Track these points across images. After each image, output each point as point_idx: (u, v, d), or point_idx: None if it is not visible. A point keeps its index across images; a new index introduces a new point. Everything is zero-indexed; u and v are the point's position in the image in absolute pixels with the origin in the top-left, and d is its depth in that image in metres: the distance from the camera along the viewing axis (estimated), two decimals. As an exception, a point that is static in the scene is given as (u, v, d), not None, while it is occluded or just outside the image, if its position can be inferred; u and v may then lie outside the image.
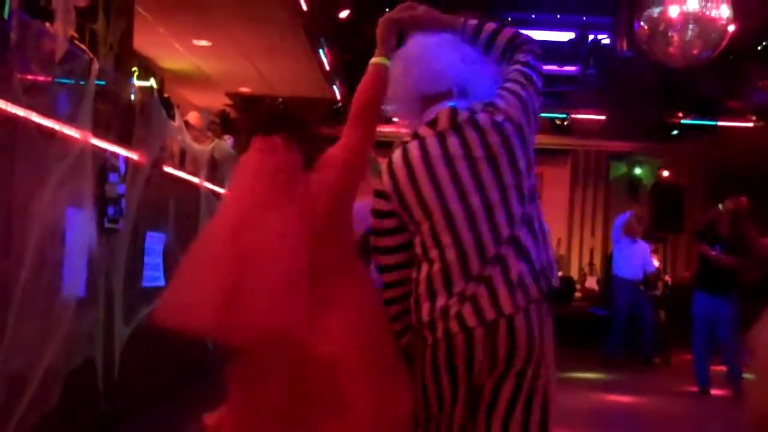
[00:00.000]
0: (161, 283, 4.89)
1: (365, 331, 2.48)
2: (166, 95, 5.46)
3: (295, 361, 2.44)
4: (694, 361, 8.99)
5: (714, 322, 8.65)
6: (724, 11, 8.06)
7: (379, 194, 2.58)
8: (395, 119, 2.86)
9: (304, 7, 8.35)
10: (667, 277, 12.01)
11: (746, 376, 8.15)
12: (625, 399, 8.58)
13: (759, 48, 11.41)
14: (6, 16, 3.07)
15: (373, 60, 2.75)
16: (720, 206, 8.55)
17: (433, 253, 2.40)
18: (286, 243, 2.44)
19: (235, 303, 2.38)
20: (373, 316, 2.52)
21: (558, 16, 11.85)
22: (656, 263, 11.34)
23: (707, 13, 8.07)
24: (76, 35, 3.83)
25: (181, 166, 5.31)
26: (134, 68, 6.87)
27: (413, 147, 2.52)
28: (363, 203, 3.23)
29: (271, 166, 2.54)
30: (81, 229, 3.58)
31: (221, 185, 6.18)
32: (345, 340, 2.42)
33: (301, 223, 2.46)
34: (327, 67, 10.75)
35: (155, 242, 4.75)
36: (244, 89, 12.36)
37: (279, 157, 2.55)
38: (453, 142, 2.44)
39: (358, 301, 2.51)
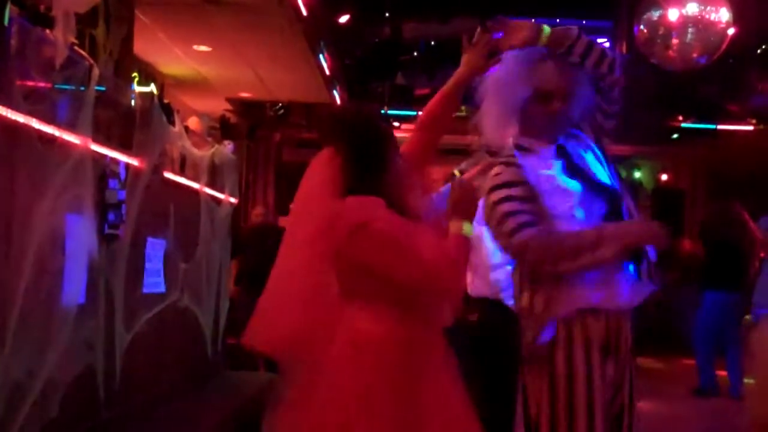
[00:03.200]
0: (161, 289, 4.88)
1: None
2: (166, 101, 5.45)
3: None
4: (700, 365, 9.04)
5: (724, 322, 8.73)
6: (724, 15, 8.05)
7: None
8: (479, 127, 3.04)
9: (304, 12, 8.35)
10: None
11: (746, 380, 8.20)
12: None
13: (759, 51, 11.41)
14: (6, 22, 3.06)
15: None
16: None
17: None
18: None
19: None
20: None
21: (558, 21, 11.84)
22: None
23: (707, 16, 8.06)
24: (75, 41, 3.81)
25: (181, 172, 5.29)
26: (134, 74, 6.87)
27: None
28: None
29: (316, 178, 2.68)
30: (81, 236, 3.57)
31: (221, 191, 6.17)
32: None
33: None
34: (327, 72, 10.74)
35: (156, 248, 4.74)
36: (245, 94, 12.36)
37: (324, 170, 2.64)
38: None
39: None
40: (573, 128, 2.99)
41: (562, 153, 2.95)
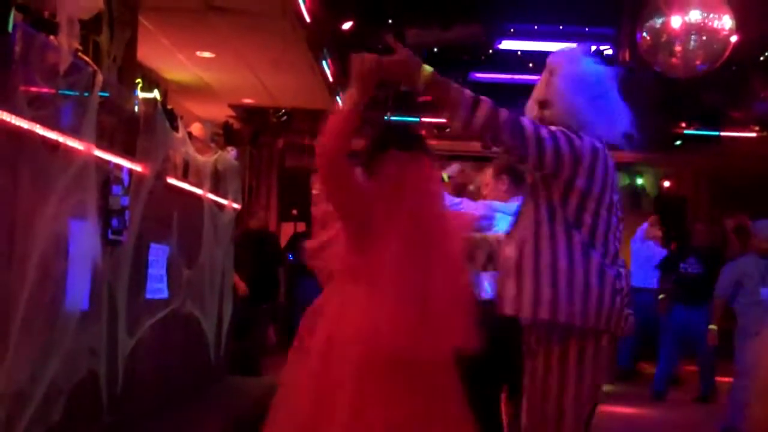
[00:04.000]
0: (165, 294, 4.89)
1: None
2: (169, 107, 5.46)
3: None
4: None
5: (687, 332, 8.99)
6: (727, 22, 8.06)
7: None
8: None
9: (308, 19, 8.37)
10: None
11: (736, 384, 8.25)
12: (619, 409, 8.55)
13: (761, 58, 11.41)
14: (10, 29, 3.07)
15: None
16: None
17: None
18: None
19: None
20: None
21: (561, 27, 11.86)
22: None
23: (709, 24, 8.07)
24: (79, 47, 3.83)
25: (184, 178, 5.30)
26: (138, 80, 6.88)
27: None
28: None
29: None
30: (84, 241, 3.58)
31: (224, 197, 6.18)
32: None
33: None
34: (330, 79, 10.76)
35: (159, 254, 4.74)
36: (248, 101, 12.38)
37: None
38: None
39: None
40: None
41: None
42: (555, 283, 2.91)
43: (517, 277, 2.97)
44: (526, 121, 2.95)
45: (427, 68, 2.90)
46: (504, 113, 2.88)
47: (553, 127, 2.98)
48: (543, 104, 3.13)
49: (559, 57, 3.20)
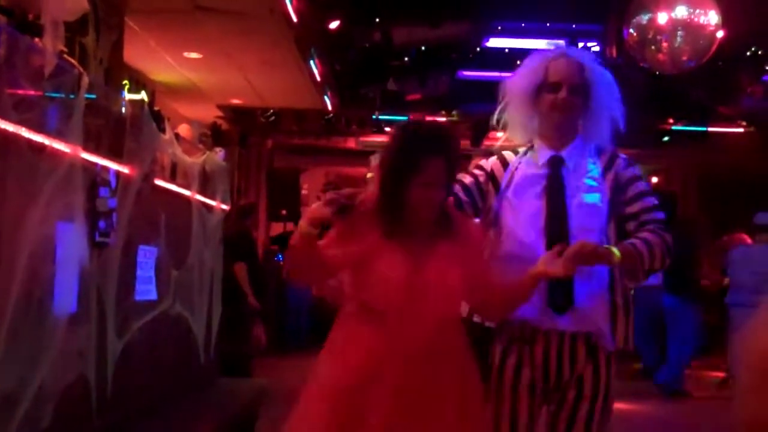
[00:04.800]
0: (153, 296, 4.87)
1: None
2: (156, 108, 5.44)
3: None
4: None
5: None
6: (713, 18, 8.09)
7: None
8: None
9: (295, 19, 8.36)
10: None
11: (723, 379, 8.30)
12: (617, 405, 8.56)
13: (748, 54, 11.46)
14: (-6, 31, 3.06)
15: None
16: None
17: None
18: None
19: None
20: None
21: (548, 24, 11.87)
22: None
23: (696, 19, 8.10)
24: (65, 49, 3.81)
25: (172, 179, 5.28)
26: (125, 81, 6.86)
27: None
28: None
29: None
30: (72, 244, 3.56)
31: (213, 198, 6.16)
32: None
33: None
34: (318, 78, 10.76)
35: (147, 256, 4.73)
36: (236, 101, 12.37)
37: None
38: None
39: None
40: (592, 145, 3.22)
41: (553, 164, 3.13)
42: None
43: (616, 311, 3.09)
44: (666, 235, 3.05)
45: (615, 251, 2.94)
46: (664, 242, 3.04)
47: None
48: (574, 90, 3.11)
49: (591, 60, 3.23)
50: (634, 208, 3.13)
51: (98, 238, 3.94)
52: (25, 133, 3.20)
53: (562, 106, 3.10)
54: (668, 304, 9.50)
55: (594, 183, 3.11)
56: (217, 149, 6.87)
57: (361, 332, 2.77)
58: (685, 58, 8.30)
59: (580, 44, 11.66)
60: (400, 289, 2.71)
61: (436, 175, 2.71)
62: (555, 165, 3.12)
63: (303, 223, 2.70)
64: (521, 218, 3.05)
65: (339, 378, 2.75)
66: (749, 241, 9.92)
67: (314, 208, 2.73)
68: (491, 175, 3.19)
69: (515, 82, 3.22)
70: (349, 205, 2.69)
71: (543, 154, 3.15)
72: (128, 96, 5.01)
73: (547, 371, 3.03)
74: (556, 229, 2.98)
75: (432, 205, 2.76)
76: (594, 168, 3.15)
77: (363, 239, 2.74)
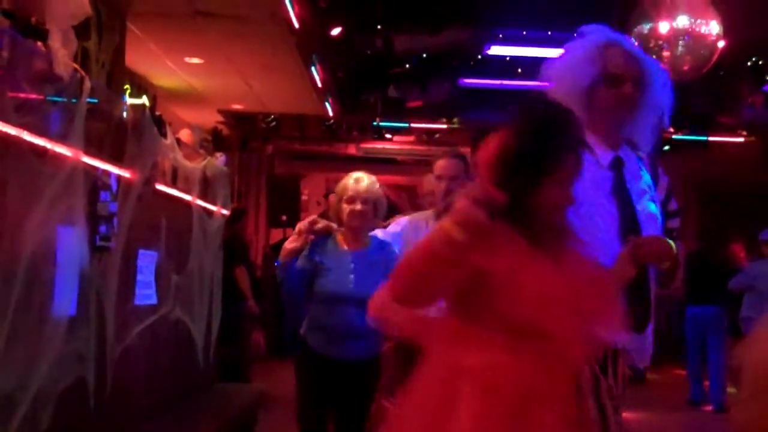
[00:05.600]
0: (153, 301, 4.88)
1: None
2: (158, 113, 5.45)
3: None
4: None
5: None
6: (714, 27, 8.10)
7: None
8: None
9: (296, 25, 8.37)
10: None
11: (730, 390, 8.32)
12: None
13: (749, 64, 11.47)
14: (-3, 35, 3.07)
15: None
16: None
17: None
18: None
19: None
20: None
21: (549, 33, 11.88)
22: None
23: (697, 29, 8.10)
24: (73, 52, 3.82)
25: (173, 184, 5.29)
26: (126, 86, 6.87)
27: None
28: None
29: None
30: (72, 248, 3.57)
31: (213, 203, 6.17)
32: None
33: None
34: (319, 84, 10.77)
35: (147, 260, 4.73)
36: (237, 106, 12.38)
37: None
38: None
39: None
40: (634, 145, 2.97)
41: (616, 166, 2.87)
42: None
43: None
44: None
45: (672, 244, 2.71)
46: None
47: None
48: (638, 82, 2.84)
49: (656, 66, 3.00)
50: (674, 223, 2.98)
51: (99, 242, 3.95)
52: (27, 136, 3.21)
53: (630, 102, 2.83)
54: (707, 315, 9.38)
55: (650, 191, 2.90)
56: (218, 154, 6.87)
57: (513, 360, 2.23)
58: (685, 67, 8.31)
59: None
60: (569, 307, 2.25)
61: (573, 170, 2.30)
62: (618, 167, 2.86)
63: (451, 226, 2.13)
64: (597, 223, 2.69)
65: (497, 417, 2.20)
66: (743, 254, 9.99)
67: (463, 209, 2.14)
68: None
69: (563, 73, 2.87)
70: (496, 207, 2.17)
71: (603, 154, 2.81)
72: (130, 100, 5.00)
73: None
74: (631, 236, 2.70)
75: (565, 207, 2.35)
76: (645, 174, 2.94)
77: (503, 250, 2.24)
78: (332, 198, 4.57)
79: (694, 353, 9.44)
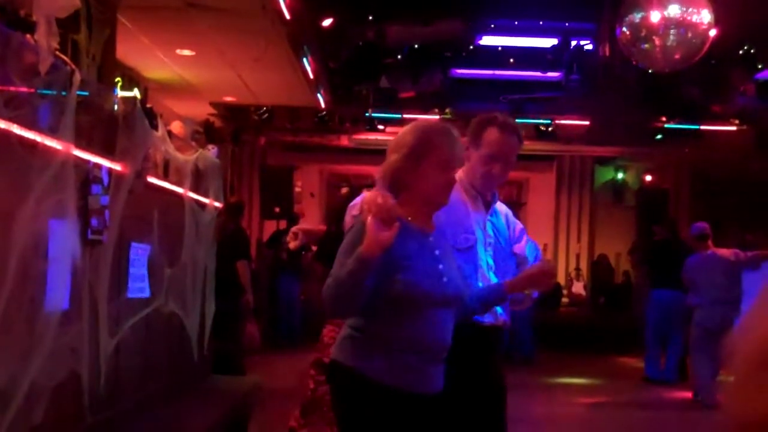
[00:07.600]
0: (146, 294, 4.87)
1: None
2: (149, 105, 5.43)
3: None
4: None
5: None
6: (705, 16, 8.11)
7: None
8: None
9: (288, 16, 8.35)
10: None
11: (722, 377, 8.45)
12: (611, 404, 8.59)
13: (740, 52, 11.49)
14: (-15, 28, 3.05)
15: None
16: None
17: None
18: None
19: None
20: None
21: (541, 23, 11.89)
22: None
23: (688, 18, 8.11)
24: (57, 46, 3.80)
25: (165, 177, 5.28)
26: (117, 78, 6.84)
27: None
28: None
29: None
30: (64, 241, 3.55)
31: (206, 195, 6.16)
32: None
33: None
34: (311, 76, 10.76)
35: (140, 253, 4.72)
36: (228, 98, 12.35)
37: None
38: None
39: None
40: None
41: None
42: None
43: None
44: None
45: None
46: None
47: None
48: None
49: None
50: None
51: (90, 236, 3.93)
52: (17, 130, 3.19)
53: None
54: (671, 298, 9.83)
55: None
56: (210, 146, 6.85)
57: None
58: (677, 56, 8.32)
59: (573, 42, 11.71)
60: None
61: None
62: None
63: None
64: None
65: None
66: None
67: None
68: None
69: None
70: None
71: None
72: (120, 93, 4.98)
73: None
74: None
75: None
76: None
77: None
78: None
79: (654, 333, 10.14)
